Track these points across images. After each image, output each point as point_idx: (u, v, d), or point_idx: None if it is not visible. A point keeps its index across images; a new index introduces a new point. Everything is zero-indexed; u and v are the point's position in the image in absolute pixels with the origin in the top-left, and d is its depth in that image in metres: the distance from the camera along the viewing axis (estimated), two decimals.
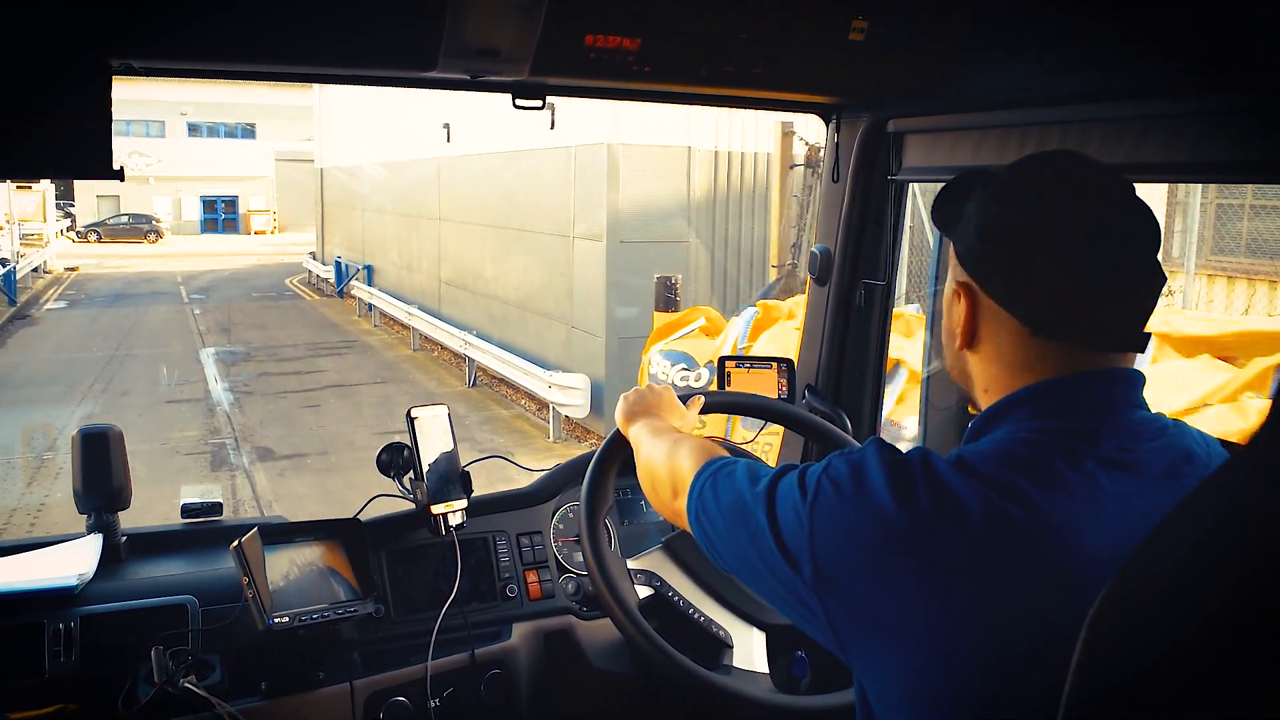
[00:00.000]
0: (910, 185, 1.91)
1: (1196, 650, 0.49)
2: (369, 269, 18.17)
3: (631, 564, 1.57)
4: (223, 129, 36.95)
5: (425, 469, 1.73)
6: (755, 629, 1.57)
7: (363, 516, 1.75)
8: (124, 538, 1.75)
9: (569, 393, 9.39)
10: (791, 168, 8.73)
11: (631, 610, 1.42)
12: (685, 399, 1.54)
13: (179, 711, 1.44)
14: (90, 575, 1.61)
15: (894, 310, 2.06)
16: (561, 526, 1.91)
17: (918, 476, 0.84)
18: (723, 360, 1.95)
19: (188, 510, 1.87)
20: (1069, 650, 0.56)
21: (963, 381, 1.00)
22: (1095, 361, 0.88)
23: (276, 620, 1.49)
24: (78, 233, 33.34)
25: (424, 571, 1.77)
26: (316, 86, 18.55)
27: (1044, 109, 1.46)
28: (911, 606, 0.80)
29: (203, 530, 1.85)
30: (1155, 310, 0.90)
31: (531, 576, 1.84)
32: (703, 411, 1.57)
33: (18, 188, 23.52)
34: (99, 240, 32.79)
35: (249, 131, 37.00)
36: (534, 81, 1.54)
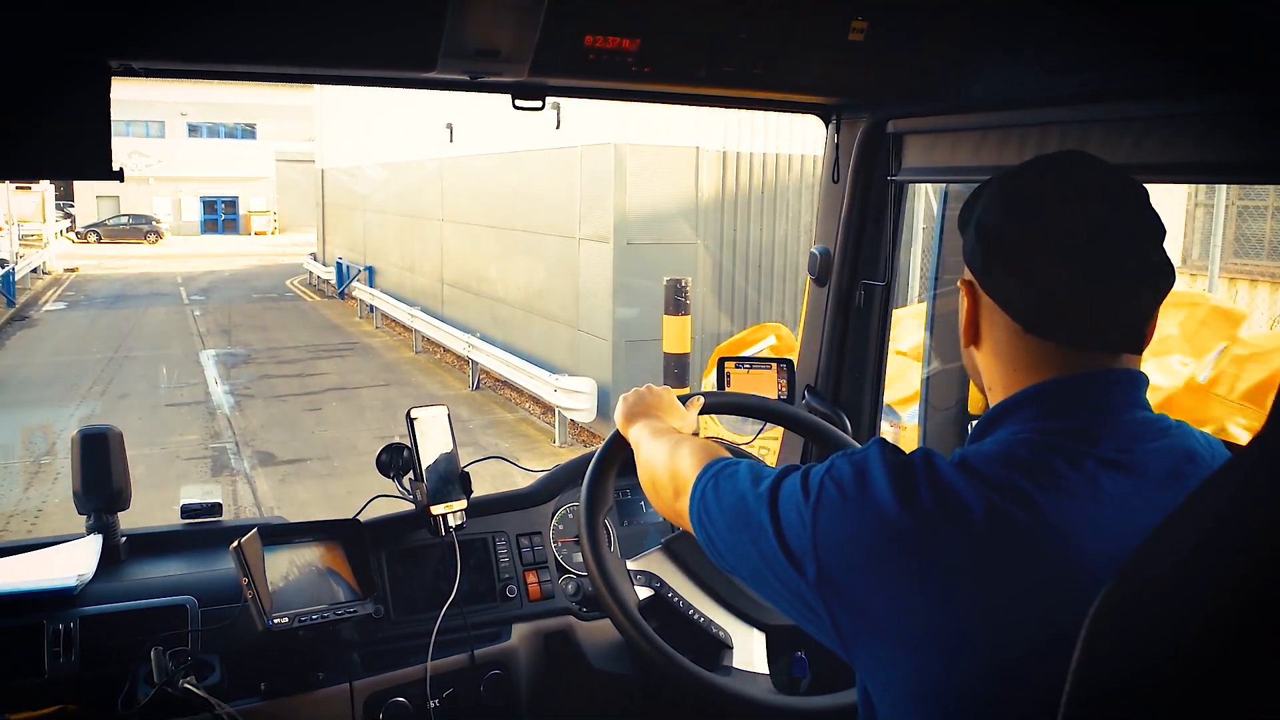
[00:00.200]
0: (914, 186, 1.91)
1: (1196, 651, 0.49)
2: (370, 270, 18.15)
3: (631, 565, 1.57)
4: (223, 129, 36.97)
5: (425, 469, 1.73)
6: (755, 630, 1.56)
7: (362, 517, 1.75)
8: (123, 538, 1.75)
9: (575, 397, 9.30)
10: None
11: (631, 611, 1.42)
12: (685, 400, 1.54)
13: (179, 712, 1.44)
14: (90, 576, 1.61)
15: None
16: (561, 527, 1.91)
17: (920, 477, 0.84)
18: (722, 361, 1.96)
19: (187, 511, 1.87)
20: (1072, 651, 0.56)
21: (974, 378, 1.01)
22: (1098, 362, 0.88)
23: (276, 621, 1.49)
24: (77, 233, 33.35)
25: (424, 572, 1.77)
26: (317, 87, 18.56)
27: (1044, 109, 1.46)
28: (916, 606, 0.81)
29: (202, 531, 1.85)
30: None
31: (531, 577, 1.84)
32: (702, 412, 1.56)
33: (17, 188, 23.51)
34: (99, 241, 32.80)
35: (249, 132, 37.02)
36: (534, 82, 1.54)
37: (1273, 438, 0.52)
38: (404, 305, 14.95)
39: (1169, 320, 4.73)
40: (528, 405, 10.81)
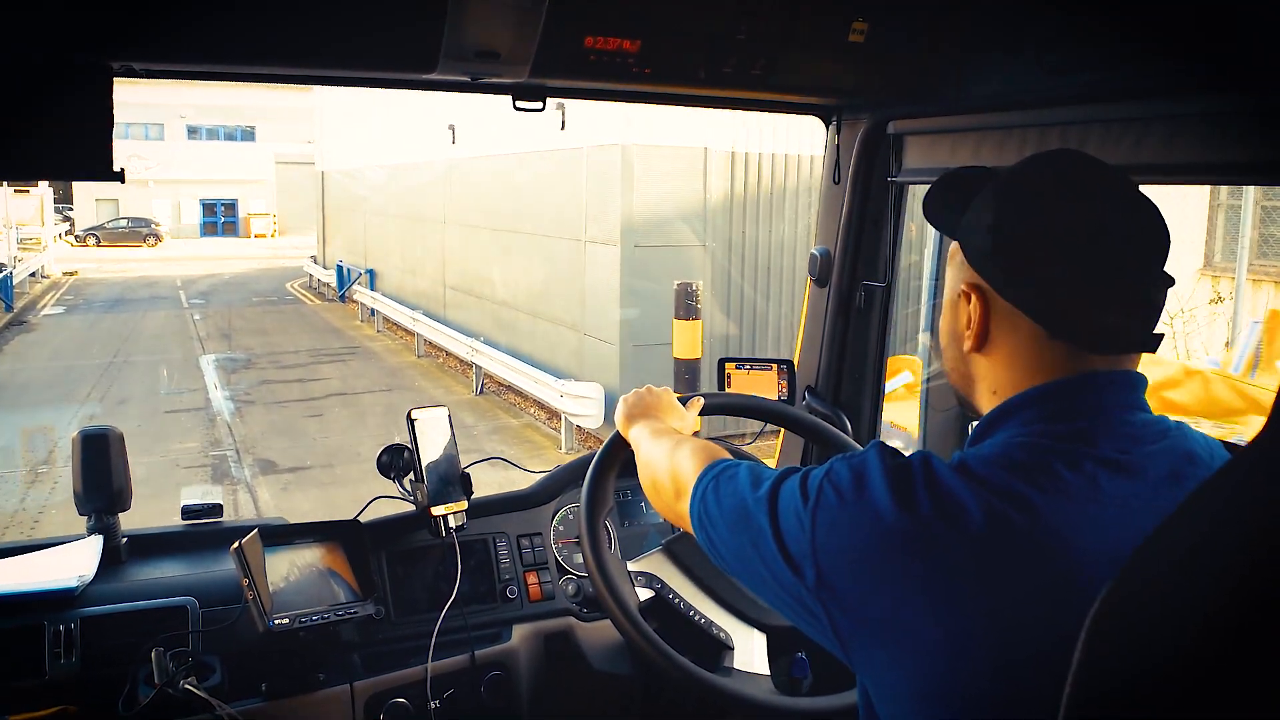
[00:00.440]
0: (911, 187, 1.91)
1: (1196, 651, 0.49)
2: (371, 273, 18.13)
3: (632, 566, 1.57)
4: (222, 132, 36.97)
5: (425, 470, 1.73)
6: (756, 631, 1.56)
7: (363, 518, 1.75)
8: (124, 539, 1.75)
9: (582, 402, 9.17)
10: None
11: (632, 612, 1.42)
12: (685, 400, 1.54)
13: (179, 713, 1.44)
14: (90, 577, 1.61)
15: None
16: (562, 528, 1.91)
17: (918, 480, 0.84)
18: (722, 361, 1.96)
19: (188, 512, 1.87)
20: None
21: (963, 384, 0.99)
22: (1099, 363, 0.88)
23: (277, 622, 1.49)
24: (76, 236, 33.32)
25: (424, 573, 1.77)
26: (317, 89, 18.57)
27: (1044, 110, 1.46)
28: (918, 609, 0.80)
29: (203, 532, 1.85)
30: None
31: (532, 578, 1.84)
32: (702, 413, 1.57)
33: (15, 192, 23.51)
34: (98, 244, 32.76)
35: (249, 134, 37.02)
36: (534, 83, 1.54)
37: (1272, 438, 0.52)
38: (406, 309, 14.85)
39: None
40: (533, 410, 10.73)
